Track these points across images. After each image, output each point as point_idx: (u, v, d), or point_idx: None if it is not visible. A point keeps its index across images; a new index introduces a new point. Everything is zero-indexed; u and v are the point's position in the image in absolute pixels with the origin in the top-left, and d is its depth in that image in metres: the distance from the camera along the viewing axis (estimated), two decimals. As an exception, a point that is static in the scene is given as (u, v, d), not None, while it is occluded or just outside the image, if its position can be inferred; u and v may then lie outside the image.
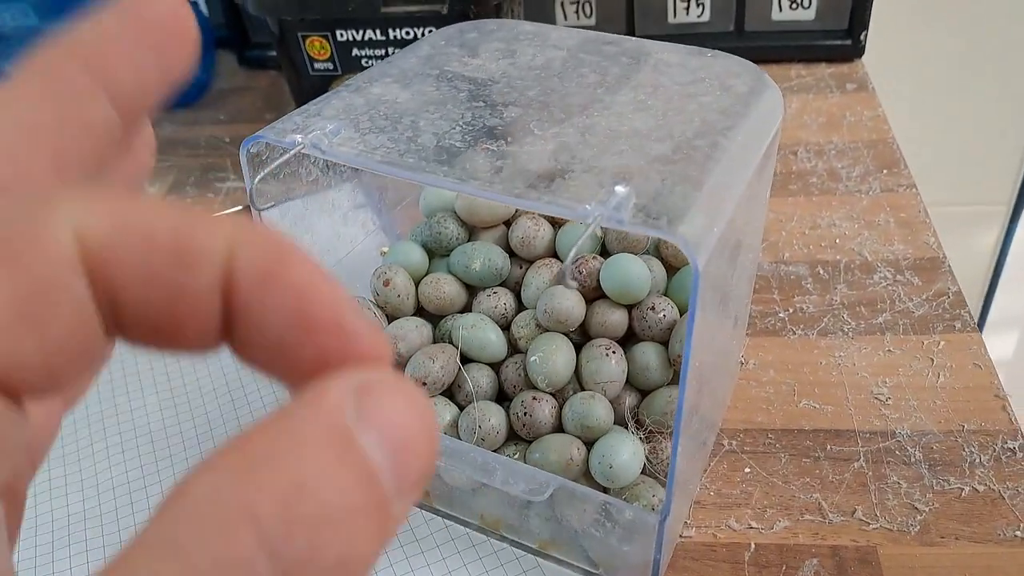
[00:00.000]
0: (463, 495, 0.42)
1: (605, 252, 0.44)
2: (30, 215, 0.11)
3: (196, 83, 0.81)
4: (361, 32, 0.60)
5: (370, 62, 0.62)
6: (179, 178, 0.71)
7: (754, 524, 0.42)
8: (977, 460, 0.43)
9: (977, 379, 0.48)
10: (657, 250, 0.44)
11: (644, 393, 0.41)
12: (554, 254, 0.44)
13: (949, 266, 0.54)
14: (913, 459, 0.44)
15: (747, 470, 0.44)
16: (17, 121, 0.13)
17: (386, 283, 0.43)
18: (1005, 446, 0.44)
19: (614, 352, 0.40)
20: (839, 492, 0.43)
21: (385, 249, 0.45)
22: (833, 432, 0.46)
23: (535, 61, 0.40)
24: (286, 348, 0.13)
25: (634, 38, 0.42)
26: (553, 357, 0.39)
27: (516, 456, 0.39)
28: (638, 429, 0.38)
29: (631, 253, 0.42)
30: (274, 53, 0.83)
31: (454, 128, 0.35)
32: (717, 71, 0.39)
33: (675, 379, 0.41)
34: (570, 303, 0.40)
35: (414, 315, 0.44)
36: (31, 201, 0.12)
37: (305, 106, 0.37)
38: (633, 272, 0.40)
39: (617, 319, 0.41)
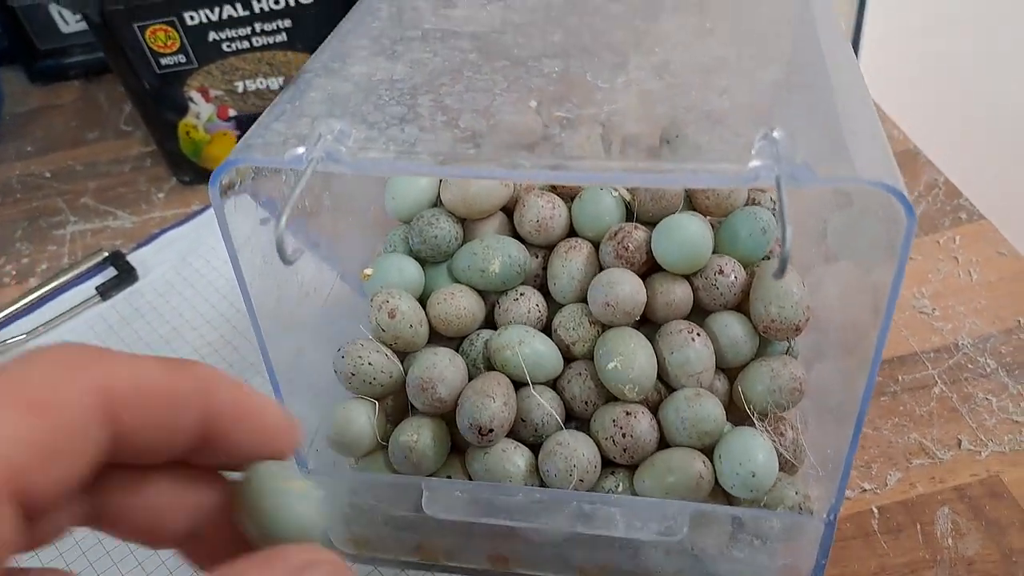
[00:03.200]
0: (550, 549, 0.34)
1: (630, 217, 0.37)
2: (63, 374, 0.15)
3: (-21, 113, 0.65)
4: (216, 10, 0.48)
5: (233, 45, 0.50)
6: (2, 234, 0.56)
7: (866, 485, 0.37)
8: (1051, 353, 0.41)
9: (1007, 267, 0.45)
10: (690, 203, 0.37)
11: (729, 373, 0.34)
12: (572, 234, 0.36)
13: (926, 156, 0.51)
14: (988, 369, 0.41)
15: (830, 426, 0.39)
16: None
17: (391, 313, 0.33)
18: (1070, 332, 0.41)
19: (698, 334, 0.33)
20: (934, 425, 0.39)
21: (368, 271, 0.35)
22: (897, 360, 0.41)
23: (530, 1, 0.32)
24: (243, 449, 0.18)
25: (626, -46, 0.35)
26: (636, 358, 0.32)
27: (619, 489, 0.32)
28: (761, 420, 0.32)
29: (670, 213, 0.35)
30: (73, 59, 0.68)
31: (494, 100, 0.26)
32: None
33: (761, 350, 0.34)
34: (632, 287, 0.33)
35: (428, 344, 0.35)
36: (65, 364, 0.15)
37: (272, 108, 0.27)
38: (696, 232, 0.33)
39: (683, 293, 0.34)
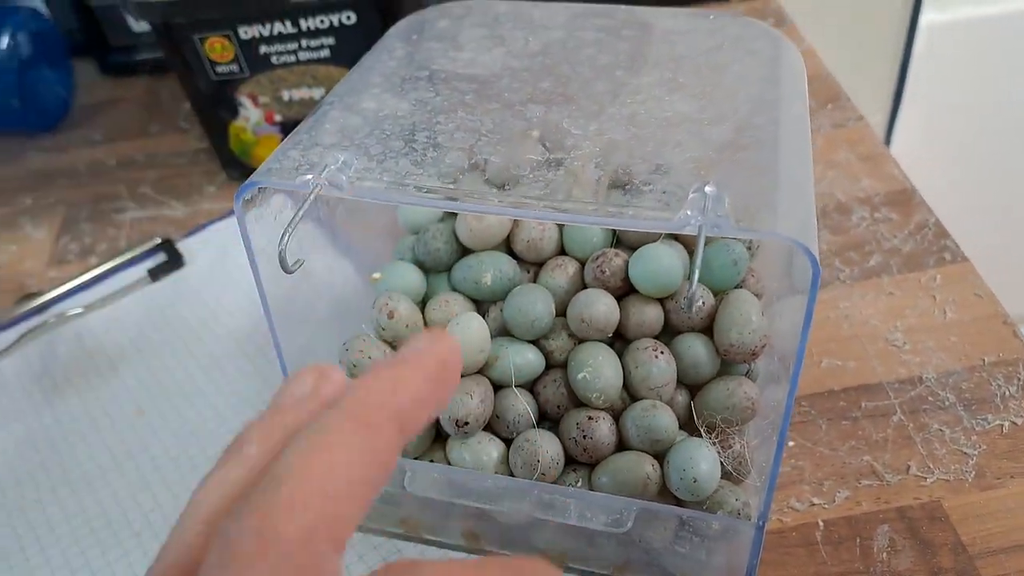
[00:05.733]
0: (517, 532, 0.38)
1: (617, 243, 0.40)
2: None
3: (54, 101, 0.71)
4: (268, 26, 0.53)
5: (281, 59, 0.55)
6: (70, 214, 0.62)
7: (815, 500, 0.40)
8: (1007, 392, 0.43)
9: (981, 309, 0.48)
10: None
11: (692, 389, 0.38)
12: (562, 252, 0.40)
13: (921, 196, 0.54)
14: (947, 402, 0.43)
15: (791, 444, 0.43)
16: (347, 473, 0.16)
17: (391, 315, 0.38)
18: (1029, 374, 0.44)
19: (662, 352, 0.37)
20: (887, 450, 0.42)
21: (377, 275, 0.40)
22: (863, 388, 0.45)
23: (531, 47, 0.36)
24: None
25: (623, 6, 0.38)
26: (603, 370, 0.36)
27: (579, 484, 0.36)
28: (708, 432, 0.36)
29: (651, 241, 0.39)
30: (143, 57, 0.74)
31: (479, 140, 0.30)
32: (730, 34, 0.36)
33: (723, 369, 0.38)
34: (606, 307, 0.37)
35: (425, 344, 0.39)
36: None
37: (293, 135, 0.31)
38: (667, 263, 0.37)
39: (654, 315, 0.37)
